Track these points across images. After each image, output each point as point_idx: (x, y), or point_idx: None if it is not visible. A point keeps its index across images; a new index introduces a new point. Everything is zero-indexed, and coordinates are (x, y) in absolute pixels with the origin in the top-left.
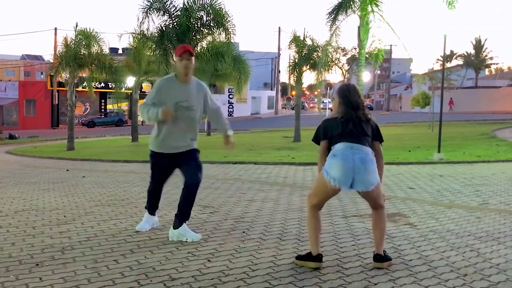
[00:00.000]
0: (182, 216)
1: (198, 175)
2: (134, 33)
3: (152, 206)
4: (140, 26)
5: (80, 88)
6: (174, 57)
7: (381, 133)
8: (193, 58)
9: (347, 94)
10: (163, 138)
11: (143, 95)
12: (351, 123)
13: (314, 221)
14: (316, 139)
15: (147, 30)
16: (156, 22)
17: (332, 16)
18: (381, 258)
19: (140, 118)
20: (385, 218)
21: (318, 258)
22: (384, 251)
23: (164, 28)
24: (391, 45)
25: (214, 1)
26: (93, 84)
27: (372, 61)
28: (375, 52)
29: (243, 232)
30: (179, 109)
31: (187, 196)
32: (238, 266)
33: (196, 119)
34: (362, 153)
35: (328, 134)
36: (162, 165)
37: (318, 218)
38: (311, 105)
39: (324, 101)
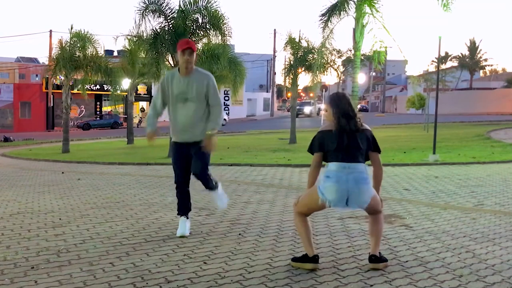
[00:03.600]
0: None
1: (200, 166)
2: (129, 35)
3: (181, 207)
4: (138, 28)
5: (75, 91)
6: (166, 60)
7: (377, 141)
8: (194, 53)
9: (339, 104)
10: (173, 129)
11: (138, 97)
12: (345, 136)
13: (303, 225)
14: (311, 150)
15: (143, 32)
16: (152, 24)
17: (325, 18)
18: (376, 259)
19: (135, 120)
20: (382, 221)
21: (315, 259)
22: (379, 252)
23: (158, 30)
24: (386, 47)
25: (209, 4)
26: (88, 86)
27: (374, 64)
28: (376, 54)
29: (239, 234)
30: (178, 101)
31: (202, 183)
32: (234, 268)
33: (199, 110)
34: (356, 172)
35: (324, 147)
36: (176, 155)
37: (306, 222)
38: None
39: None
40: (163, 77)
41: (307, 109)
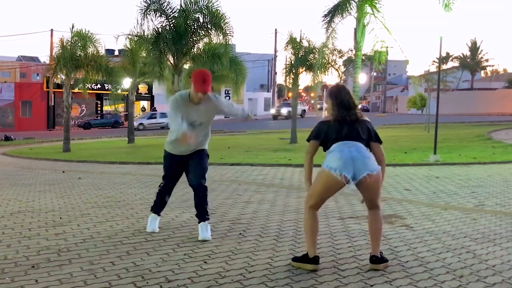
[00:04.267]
0: (200, 215)
1: (199, 172)
2: (130, 34)
3: (159, 206)
4: (140, 27)
5: (76, 90)
6: (168, 59)
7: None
8: (209, 93)
9: (338, 95)
10: (173, 143)
11: (139, 96)
12: (346, 126)
13: (312, 222)
14: (308, 139)
15: (144, 32)
16: (153, 24)
17: (328, 19)
18: (377, 260)
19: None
20: (381, 220)
21: (315, 260)
22: (380, 252)
23: (160, 30)
24: (387, 47)
25: (210, 3)
26: (89, 85)
27: (375, 63)
28: (377, 54)
29: (240, 233)
30: (191, 126)
31: (197, 198)
32: (234, 267)
33: (206, 130)
34: (357, 146)
35: (322, 136)
36: (173, 164)
37: (316, 220)
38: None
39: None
40: (176, 101)
41: (284, 110)
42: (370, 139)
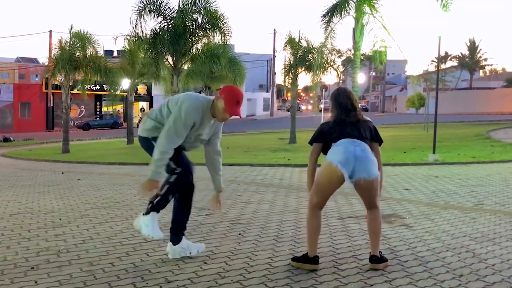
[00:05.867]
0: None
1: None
2: (129, 35)
3: (163, 205)
4: (135, 28)
5: (75, 91)
6: (166, 60)
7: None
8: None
9: (338, 97)
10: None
11: (138, 97)
12: (347, 127)
13: (315, 221)
14: (310, 141)
15: (142, 32)
16: (150, 24)
17: (327, 19)
18: (377, 260)
19: (135, 120)
20: (380, 220)
21: (315, 260)
22: (380, 252)
23: (158, 30)
24: (386, 47)
25: (208, 3)
26: (88, 86)
27: (376, 63)
28: (377, 54)
29: (239, 234)
30: (194, 139)
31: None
32: (234, 268)
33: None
34: (363, 146)
35: (325, 137)
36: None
37: (318, 219)
38: (309, 107)
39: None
40: (196, 106)
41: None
42: (372, 138)
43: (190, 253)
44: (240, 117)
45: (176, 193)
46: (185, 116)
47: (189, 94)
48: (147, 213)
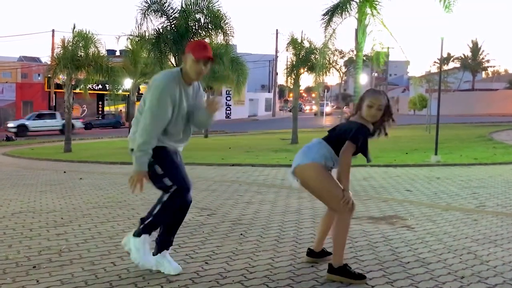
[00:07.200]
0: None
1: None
2: (131, 35)
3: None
4: (139, 28)
5: (77, 90)
6: (169, 60)
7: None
8: (209, 63)
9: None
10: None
11: (140, 97)
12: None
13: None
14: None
15: (145, 32)
16: (154, 24)
17: (327, 18)
18: (330, 269)
19: None
20: (339, 227)
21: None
22: (347, 264)
23: (161, 30)
24: (388, 48)
25: (211, 4)
26: (90, 86)
27: (374, 65)
28: (375, 56)
29: (241, 234)
30: (178, 115)
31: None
32: (235, 268)
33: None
34: (315, 141)
35: None
36: (175, 156)
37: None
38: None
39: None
40: (164, 86)
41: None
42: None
43: (160, 268)
44: (212, 59)
45: (170, 215)
46: (161, 91)
47: (157, 74)
48: (138, 235)
